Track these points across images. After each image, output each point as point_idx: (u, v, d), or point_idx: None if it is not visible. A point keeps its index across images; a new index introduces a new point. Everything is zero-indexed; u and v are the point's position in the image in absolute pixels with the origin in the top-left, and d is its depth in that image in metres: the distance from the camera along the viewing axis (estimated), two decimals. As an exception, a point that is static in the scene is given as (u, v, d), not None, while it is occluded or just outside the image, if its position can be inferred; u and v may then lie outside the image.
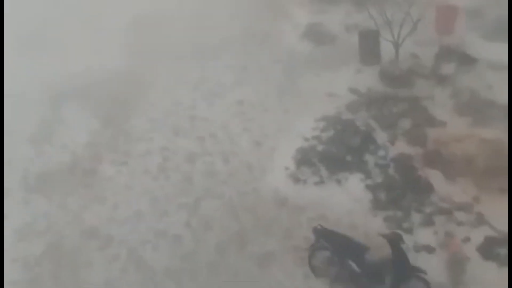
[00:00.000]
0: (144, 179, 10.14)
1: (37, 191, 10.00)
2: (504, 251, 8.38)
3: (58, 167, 10.45)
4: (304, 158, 10.71)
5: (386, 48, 12.62)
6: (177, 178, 10.24)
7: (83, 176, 10.27)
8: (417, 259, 8.34)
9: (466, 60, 12.29)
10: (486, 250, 8.49)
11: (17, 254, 8.83)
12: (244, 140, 11.19)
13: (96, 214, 9.45)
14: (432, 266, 8.22)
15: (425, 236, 8.97)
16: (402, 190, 9.88)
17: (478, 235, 8.77)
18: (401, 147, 10.94)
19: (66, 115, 11.81)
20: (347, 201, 9.73)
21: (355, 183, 10.15)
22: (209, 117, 11.61)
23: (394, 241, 7.75)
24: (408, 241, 8.49)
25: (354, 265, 7.86)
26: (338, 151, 10.89)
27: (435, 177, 10.19)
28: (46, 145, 11.05)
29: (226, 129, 11.43)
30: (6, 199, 9.61)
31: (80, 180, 10.15)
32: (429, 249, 8.66)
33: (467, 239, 8.79)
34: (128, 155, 10.68)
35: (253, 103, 11.91)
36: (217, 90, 12.34)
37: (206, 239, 8.98)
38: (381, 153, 10.80)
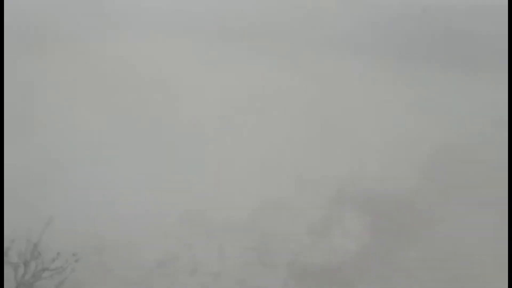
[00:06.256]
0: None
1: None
2: None
3: (324, 264, 9.59)
4: None
5: None
6: None
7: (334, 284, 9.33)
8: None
9: None
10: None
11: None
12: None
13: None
14: None
15: None
16: None
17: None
18: None
19: (345, 217, 10.75)
20: None
21: None
22: None
23: None
24: None
25: None
26: None
27: None
28: (321, 240, 10.27)
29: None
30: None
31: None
32: None
33: None
34: (387, 284, 9.16)
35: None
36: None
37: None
38: None
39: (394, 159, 11.88)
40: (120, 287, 9.60)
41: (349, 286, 9.57)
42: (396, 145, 12.23)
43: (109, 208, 11.05)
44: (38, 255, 9.46)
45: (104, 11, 18.94)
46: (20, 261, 9.35)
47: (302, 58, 14.78)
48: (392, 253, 9.71)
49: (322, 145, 12.10)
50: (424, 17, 13.46)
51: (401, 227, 10.20)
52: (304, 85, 13.23)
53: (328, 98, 12.96)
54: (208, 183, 11.22)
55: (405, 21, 12.41)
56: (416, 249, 9.55)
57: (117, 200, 11.29)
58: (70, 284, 8.92)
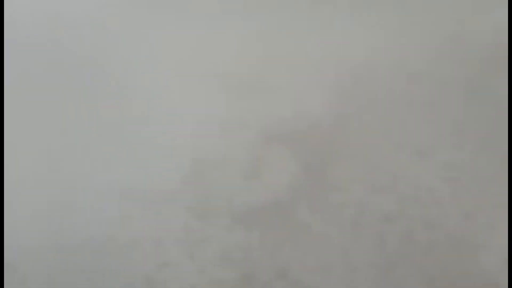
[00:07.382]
0: (337, 231, 9.04)
1: (240, 222, 9.30)
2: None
3: (260, 204, 9.36)
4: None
5: None
6: (371, 236, 9.02)
7: (281, 216, 9.24)
8: None
9: None
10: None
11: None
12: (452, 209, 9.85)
13: (289, 256, 8.84)
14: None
15: None
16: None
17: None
18: None
19: (272, 157, 10.27)
20: None
21: None
22: (414, 177, 9.80)
23: None
24: None
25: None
26: None
27: None
28: (253, 181, 9.85)
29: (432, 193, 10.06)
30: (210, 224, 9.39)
31: (277, 220, 9.38)
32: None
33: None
34: (324, 203, 9.23)
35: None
36: (424, 150, 10.23)
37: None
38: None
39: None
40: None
41: (289, 216, 10.10)
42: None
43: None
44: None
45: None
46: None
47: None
48: (321, 174, 10.08)
49: (247, 93, 12.71)
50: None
51: (326, 151, 10.73)
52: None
53: None
54: (139, 157, 11.43)
55: None
56: (340, 166, 9.64)
57: None
58: None
